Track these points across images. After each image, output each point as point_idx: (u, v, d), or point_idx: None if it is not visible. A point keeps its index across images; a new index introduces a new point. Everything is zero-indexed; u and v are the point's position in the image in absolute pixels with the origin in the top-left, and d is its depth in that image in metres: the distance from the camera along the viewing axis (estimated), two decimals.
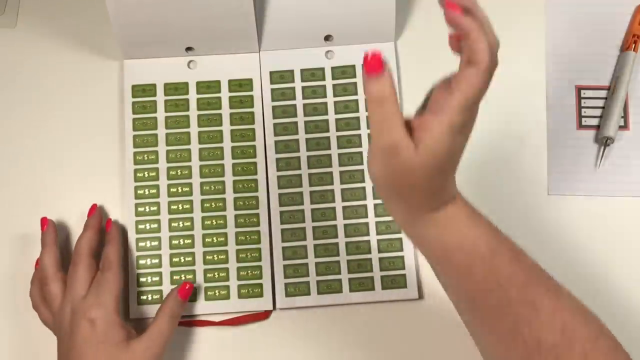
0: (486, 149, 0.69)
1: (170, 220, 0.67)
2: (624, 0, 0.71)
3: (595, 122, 0.69)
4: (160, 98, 0.69)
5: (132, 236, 0.67)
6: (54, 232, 0.65)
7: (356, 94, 0.69)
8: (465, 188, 0.68)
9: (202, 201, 0.67)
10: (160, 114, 0.69)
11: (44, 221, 0.66)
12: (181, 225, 0.67)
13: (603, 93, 0.70)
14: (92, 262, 0.63)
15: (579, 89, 0.70)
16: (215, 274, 0.66)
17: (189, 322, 0.66)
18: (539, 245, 0.67)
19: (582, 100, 0.70)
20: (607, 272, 0.67)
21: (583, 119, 0.70)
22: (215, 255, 0.67)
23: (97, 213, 0.66)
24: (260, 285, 0.66)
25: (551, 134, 0.69)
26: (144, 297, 0.66)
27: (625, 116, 0.69)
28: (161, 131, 0.69)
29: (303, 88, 0.69)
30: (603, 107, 0.69)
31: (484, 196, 0.68)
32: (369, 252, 0.67)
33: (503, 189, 0.68)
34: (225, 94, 0.69)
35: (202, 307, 0.66)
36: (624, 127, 0.69)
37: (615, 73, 0.70)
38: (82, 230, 0.65)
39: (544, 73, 0.70)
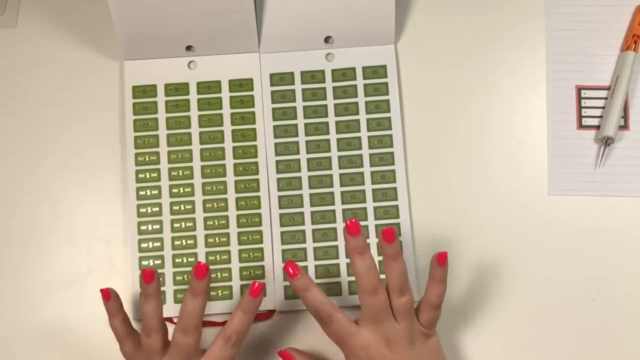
0: (486, 149, 0.69)
1: (173, 221, 0.67)
2: (624, 0, 0.71)
3: (595, 122, 0.69)
4: (160, 99, 0.69)
5: (134, 238, 0.67)
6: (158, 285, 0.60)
7: (356, 96, 0.69)
8: (466, 188, 0.69)
9: (204, 201, 0.68)
10: (161, 115, 0.69)
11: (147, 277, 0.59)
12: (183, 225, 0.67)
13: (603, 93, 0.70)
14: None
15: (579, 89, 0.70)
16: (218, 274, 0.67)
17: None
18: (539, 245, 0.68)
19: (582, 100, 0.70)
20: (607, 272, 0.67)
21: (583, 119, 0.69)
22: (217, 256, 0.67)
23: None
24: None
25: (551, 134, 0.69)
26: None
27: (625, 116, 0.69)
28: (162, 132, 0.69)
29: (303, 90, 0.69)
30: (603, 107, 0.69)
31: (484, 196, 0.68)
32: None
33: (503, 189, 0.68)
34: (225, 94, 0.69)
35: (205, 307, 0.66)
36: (624, 127, 0.69)
37: (615, 73, 0.69)
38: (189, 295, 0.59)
39: (544, 73, 0.70)
